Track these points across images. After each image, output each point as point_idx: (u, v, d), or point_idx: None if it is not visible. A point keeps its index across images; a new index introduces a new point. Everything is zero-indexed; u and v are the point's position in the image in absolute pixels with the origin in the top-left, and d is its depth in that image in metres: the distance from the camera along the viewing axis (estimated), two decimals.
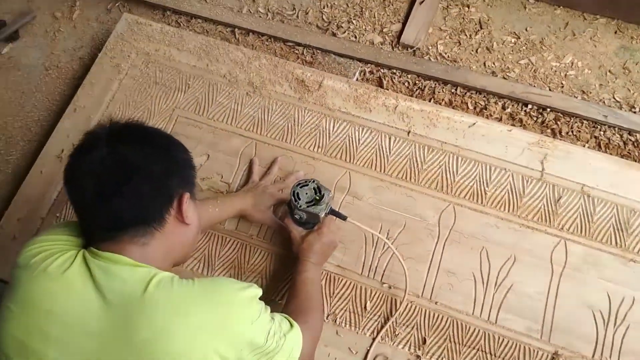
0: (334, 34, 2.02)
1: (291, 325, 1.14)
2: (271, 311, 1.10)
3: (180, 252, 1.13)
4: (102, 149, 0.99)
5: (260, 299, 1.06)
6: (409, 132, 1.66)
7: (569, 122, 1.77)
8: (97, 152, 0.99)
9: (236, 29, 2.06)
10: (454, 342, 1.42)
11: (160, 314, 0.93)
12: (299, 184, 1.41)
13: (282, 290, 1.51)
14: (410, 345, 1.43)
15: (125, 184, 0.97)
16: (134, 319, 0.92)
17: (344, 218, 1.44)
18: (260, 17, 2.07)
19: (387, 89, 1.84)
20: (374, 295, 1.49)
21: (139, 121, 1.10)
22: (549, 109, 1.79)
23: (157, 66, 1.85)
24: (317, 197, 1.39)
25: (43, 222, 1.66)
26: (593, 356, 1.38)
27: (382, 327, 1.45)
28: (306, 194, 1.40)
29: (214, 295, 0.98)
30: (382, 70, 1.93)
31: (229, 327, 0.97)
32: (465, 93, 1.86)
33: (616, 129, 1.74)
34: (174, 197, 1.05)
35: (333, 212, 1.44)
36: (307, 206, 1.39)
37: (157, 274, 0.97)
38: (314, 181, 1.41)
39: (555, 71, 1.89)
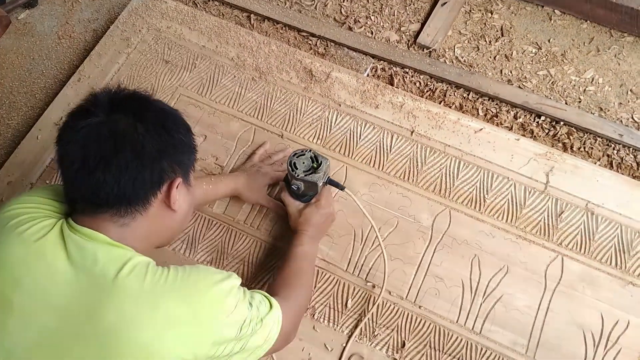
0: (350, 28, 1.98)
1: (271, 306, 1.08)
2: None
3: (165, 236, 1.09)
4: (100, 115, 0.94)
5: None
6: (412, 132, 1.61)
7: (582, 137, 1.70)
8: (93, 118, 0.94)
9: (252, 15, 2.02)
10: (435, 348, 1.35)
11: (129, 302, 0.88)
12: (295, 153, 1.37)
13: (262, 280, 1.46)
14: (388, 347, 1.37)
15: (113, 158, 0.92)
16: (102, 302, 0.88)
17: (342, 188, 1.41)
18: (277, 4, 2.04)
19: (397, 88, 1.79)
20: (357, 293, 1.43)
21: (147, 93, 1.04)
22: (562, 123, 1.72)
23: (166, 43, 1.82)
24: (315, 165, 1.36)
25: (32, 187, 1.63)
26: None
27: (357, 325, 1.39)
28: (303, 163, 1.36)
29: (187, 289, 0.93)
30: (394, 68, 1.88)
31: (200, 322, 0.92)
32: (478, 99, 1.80)
33: (631, 149, 1.67)
34: (164, 180, 0.99)
35: (331, 182, 1.42)
36: (305, 175, 1.34)
37: (133, 258, 0.92)
38: (310, 150, 1.37)
39: (574, 85, 1.82)
